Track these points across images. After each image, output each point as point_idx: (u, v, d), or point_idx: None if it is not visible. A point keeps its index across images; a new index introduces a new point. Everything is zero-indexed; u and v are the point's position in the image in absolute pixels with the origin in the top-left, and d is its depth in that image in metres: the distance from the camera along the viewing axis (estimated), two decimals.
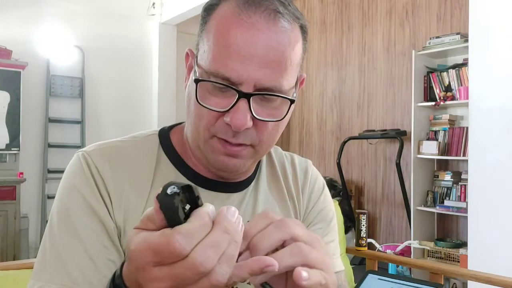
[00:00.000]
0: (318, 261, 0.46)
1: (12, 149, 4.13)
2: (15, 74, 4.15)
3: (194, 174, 0.70)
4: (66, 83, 4.67)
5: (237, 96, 0.58)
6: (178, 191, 0.38)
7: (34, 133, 4.47)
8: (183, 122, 0.75)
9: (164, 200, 0.38)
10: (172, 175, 0.69)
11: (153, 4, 5.03)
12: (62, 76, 4.65)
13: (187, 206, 0.40)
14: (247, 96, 0.58)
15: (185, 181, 0.68)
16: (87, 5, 4.74)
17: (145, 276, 0.39)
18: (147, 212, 0.41)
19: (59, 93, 4.63)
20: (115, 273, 0.47)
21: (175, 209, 0.38)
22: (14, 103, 4.14)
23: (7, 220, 3.88)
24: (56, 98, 4.62)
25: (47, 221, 0.66)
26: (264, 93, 0.59)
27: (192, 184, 0.40)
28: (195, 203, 0.41)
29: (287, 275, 0.48)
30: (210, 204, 0.41)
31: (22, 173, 4.09)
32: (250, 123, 0.59)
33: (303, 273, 0.43)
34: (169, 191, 0.38)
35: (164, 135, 0.73)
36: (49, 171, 4.51)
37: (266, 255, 0.44)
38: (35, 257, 0.64)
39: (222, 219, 0.40)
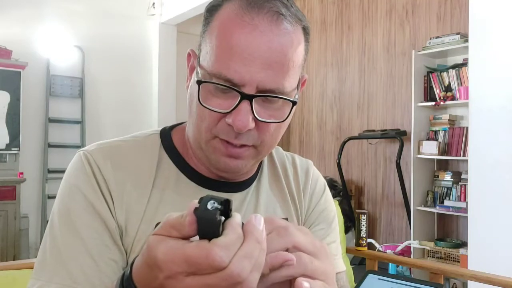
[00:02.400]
0: (319, 272, 0.46)
1: (12, 149, 4.13)
2: (15, 74, 4.15)
3: (196, 174, 0.69)
4: (66, 83, 4.66)
5: (239, 98, 0.58)
6: (219, 206, 0.39)
7: (34, 133, 4.47)
8: (184, 122, 0.74)
9: (204, 215, 0.39)
10: (174, 175, 0.69)
11: (153, 4, 5.03)
12: (62, 76, 4.64)
13: (222, 219, 0.40)
14: (249, 97, 0.58)
15: (186, 181, 0.69)
16: (87, 5, 4.74)
17: (176, 285, 0.40)
18: (170, 219, 0.41)
19: (59, 93, 4.62)
20: (123, 274, 0.46)
21: (216, 223, 0.39)
22: (14, 103, 4.13)
23: (7, 220, 3.87)
24: (56, 98, 4.62)
25: (47, 221, 0.66)
26: (266, 94, 0.59)
27: (230, 199, 0.41)
28: (227, 215, 0.41)
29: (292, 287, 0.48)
30: (237, 213, 0.42)
31: (22, 173, 4.09)
32: (252, 125, 0.59)
33: (304, 284, 0.44)
34: (209, 206, 0.38)
35: (166, 135, 0.72)
36: (49, 171, 4.51)
37: None
38: (35, 257, 0.64)
39: (252, 229, 0.41)
